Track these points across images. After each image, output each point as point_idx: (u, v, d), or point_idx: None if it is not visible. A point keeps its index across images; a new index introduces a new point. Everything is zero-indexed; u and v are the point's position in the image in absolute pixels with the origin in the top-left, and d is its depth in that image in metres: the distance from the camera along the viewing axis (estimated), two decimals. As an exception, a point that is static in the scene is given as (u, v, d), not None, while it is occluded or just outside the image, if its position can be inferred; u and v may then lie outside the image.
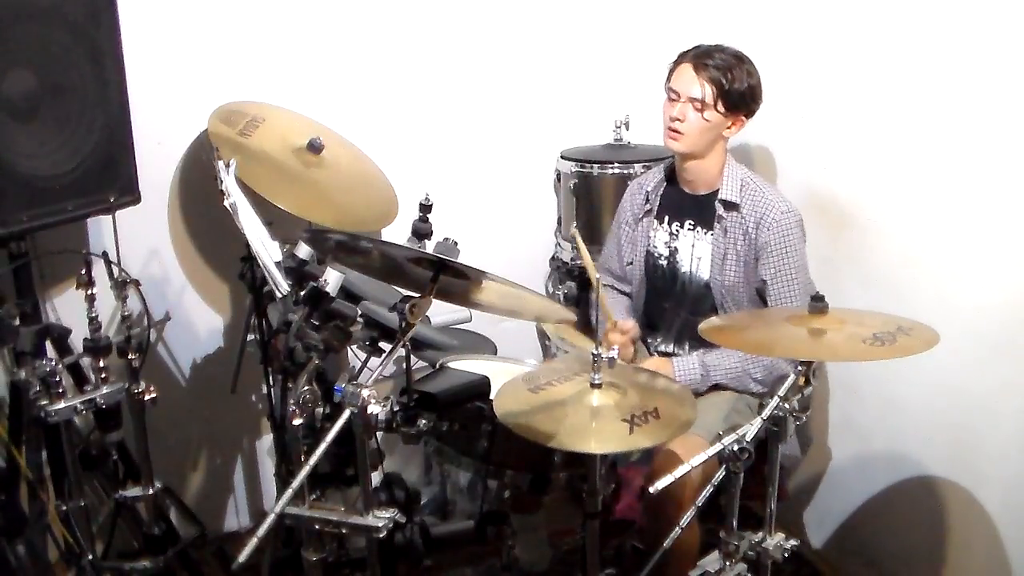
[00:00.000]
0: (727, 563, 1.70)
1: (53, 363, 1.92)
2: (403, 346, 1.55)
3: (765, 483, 1.70)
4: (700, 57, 2.17)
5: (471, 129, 2.81)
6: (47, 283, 2.35)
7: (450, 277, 1.56)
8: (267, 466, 2.82)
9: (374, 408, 1.49)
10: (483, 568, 2.08)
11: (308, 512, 1.56)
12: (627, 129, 2.83)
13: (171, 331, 2.62)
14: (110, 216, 2.06)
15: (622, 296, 2.53)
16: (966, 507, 2.19)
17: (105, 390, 1.94)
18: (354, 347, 2.24)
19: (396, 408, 1.57)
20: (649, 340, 2.47)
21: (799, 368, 1.63)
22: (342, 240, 1.68)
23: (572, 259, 2.82)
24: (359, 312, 1.90)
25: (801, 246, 2.23)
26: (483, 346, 2.34)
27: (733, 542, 1.69)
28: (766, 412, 1.61)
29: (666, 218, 2.36)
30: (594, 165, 2.74)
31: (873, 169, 2.32)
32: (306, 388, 1.58)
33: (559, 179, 2.84)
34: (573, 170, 2.76)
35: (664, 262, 2.37)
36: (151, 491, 2.06)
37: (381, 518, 1.54)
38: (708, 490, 1.63)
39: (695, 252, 2.31)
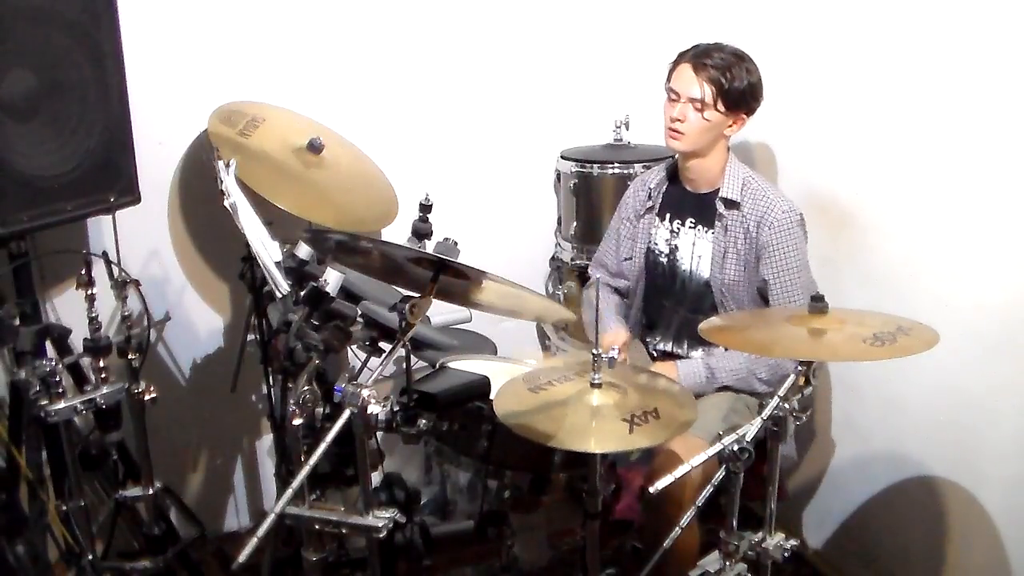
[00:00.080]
0: (727, 563, 1.70)
1: (53, 363, 1.92)
2: (403, 346, 1.55)
3: (765, 483, 1.70)
4: (699, 57, 2.17)
5: (471, 129, 2.82)
6: (47, 283, 2.35)
7: (450, 277, 1.56)
8: (267, 466, 2.82)
9: (374, 408, 1.49)
10: (483, 568, 2.08)
11: (308, 512, 1.56)
12: (627, 129, 2.83)
13: (171, 331, 2.62)
14: (110, 216, 2.06)
15: (615, 296, 2.52)
16: (966, 507, 2.19)
17: (105, 390, 1.94)
18: (354, 347, 2.24)
19: (396, 408, 1.57)
20: (648, 339, 2.47)
21: (799, 368, 1.63)
22: (342, 240, 1.68)
23: (572, 259, 2.82)
24: (359, 312, 1.91)
25: (803, 245, 2.23)
26: (483, 346, 2.34)
27: (733, 542, 1.69)
28: (766, 412, 1.61)
29: (667, 215, 2.37)
30: (594, 165, 2.74)
31: (874, 169, 2.32)
32: (306, 388, 1.58)
33: (559, 179, 2.85)
34: (573, 170, 2.76)
35: (664, 259, 2.37)
36: (151, 491, 2.06)
37: (381, 518, 1.54)
38: (708, 490, 1.62)
39: (696, 250, 2.31)
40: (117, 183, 2.12)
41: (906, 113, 2.21)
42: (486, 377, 1.92)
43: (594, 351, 1.62)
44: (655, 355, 2.45)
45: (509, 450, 1.89)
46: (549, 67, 2.88)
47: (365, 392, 1.48)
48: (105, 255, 1.95)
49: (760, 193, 2.22)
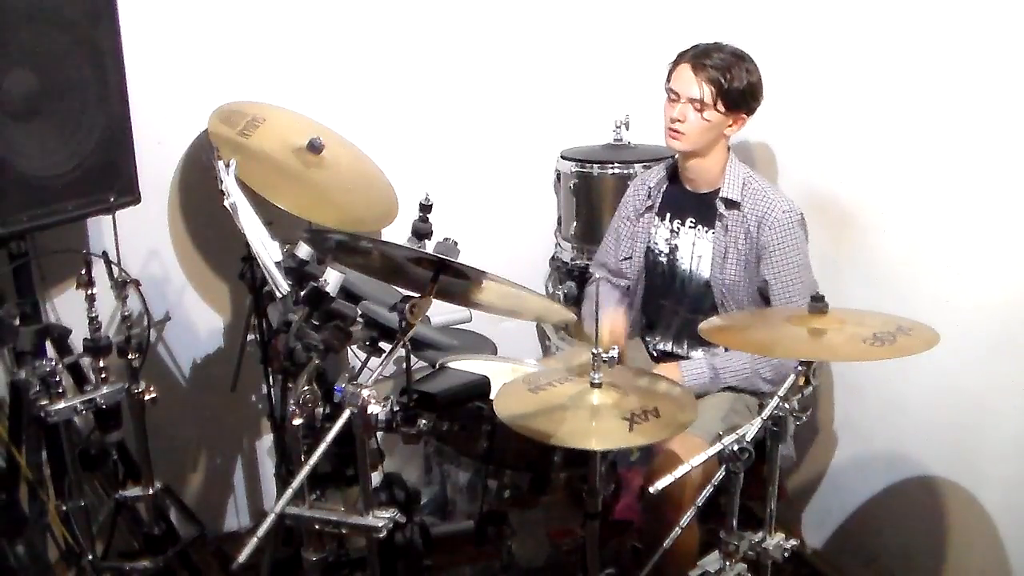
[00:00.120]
0: (727, 563, 1.70)
1: (53, 363, 1.93)
2: (403, 346, 1.55)
3: (765, 483, 1.70)
4: (698, 57, 2.17)
5: (471, 129, 2.82)
6: (47, 283, 2.35)
7: (450, 277, 1.56)
8: (267, 466, 2.82)
9: (374, 408, 1.49)
10: (483, 568, 2.08)
11: (308, 512, 1.56)
12: (627, 129, 2.83)
13: (171, 331, 2.62)
14: (110, 216, 2.06)
15: (616, 291, 2.51)
16: (966, 507, 2.19)
17: (105, 390, 1.94)
18: (354, 347, 2.24)
19: (396, 408, 1.57)
20: (648, 338, 2.47)
21: (799, 368, 1.63)
22: (342, 240, 1.68)
23: (572, 259, 2.82)
24: (359, 312, 1.91)
25: (804, 245, 2.23)
26: (483, 346, 2.34)
27: (733, 542, 1.69)
28: (766, 412, 1.61)
29: (667, 215, 2.37)
30: (594, 165, 2.73)
31: (874, 169, 2.32)
32: (306, 388, 1.58)
33: (559, 179, 2.84)
34: (573, 170, 2.76)
35: (664, 259, 2.37)
36: (151, 491, 2.05)
37: (381, 518, 1.54)
38: (708, 490, 1.62)
39: (695, 250, 2.31)
40: (117, 183, 2.12)
41: (906, 113, 2.21)
42: (486, 377, 1.92)
43: (594, 351, 1.62)
44: (655, 355, 2.45)
45: (509, 450, 1.89)
46: (549, 67, 2.88)
47: (365, 392, 1.48)
48: (105, 255, 1.95)
49: (760, 193, 2.22)
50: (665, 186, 2.38)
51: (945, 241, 2.15)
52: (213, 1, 2.44)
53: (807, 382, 1.63)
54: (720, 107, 2.16)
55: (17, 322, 2.01)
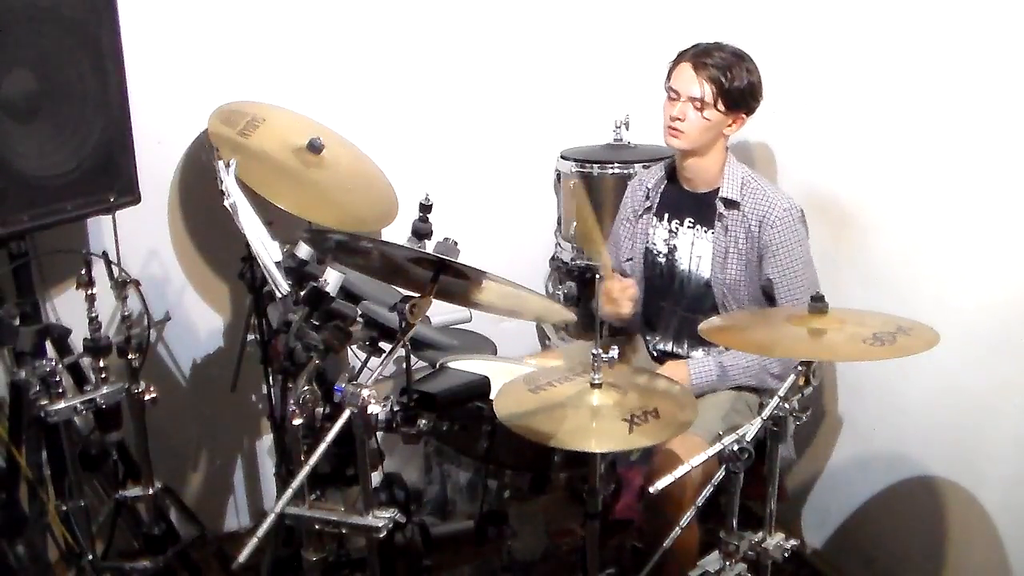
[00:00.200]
0: (727, 563, 1.70)
1: (53, 363, 1.92)
2: (403, 346, 1.55)
3: (765, 483, 1.70)
4: (699, 56, 2.17)
5: (471, 129, 2.81)
6: (47, 283, 2.35)
7: (450, 277, 1.56)
8: (267, 466, 2.82)
9: (374, 408, 1.49)
10: (483, 568, 2.08)
11: (308, 512, 1.56)
12: (627, 129, 2.83)
13: (171, 331, 2.62)
14: (110, 216, 2.06)
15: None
16: (966, 507, 2.19)
17: (105, 390, 1.94)
18: (354, 347, 2.23)
19: (396, 408, 1.57)
20: (648, 338, 2.47)
21: (799, 368, 1.63)
22: (342, 240, 1.68)
23: (572, 259, 2.82)
24: (359, 312, 1.90)
25: (805, 241, 2.23)
26: (483, 346, 2.34)
27: (733, 542, 1.69)
28: (766, 412, 1.61)
29: (666, 215, 2.36)
30: (594, 165, 2.73)
31: (874, 168, 2.32)
32: (306, 388, 1.58)
33: (559, 179, 2.84)
34: (573, 170, 2.75)
35: (663, 259, 2.37)
36: (151, 491, 2.05)
37: (381, 518, 1.54)
38: (708, 490, 1.63)
39: (695, 250, 2.31)
40: (117, 183, 2.12)
41: (906, 113, 2.21)
42: (486, 377, 1.92)
43: (594, 351, 1.62)
44: (655, 355, 2.45)
45: (509, 450, 1.89)
46: (549, 67, 2.88)
47: (365, 392, 1.48)
48: (105, 255, 1.95)
49: (760, 192, 2.22)
50: (663, 186, 2.38)
51: (945, 241, 2.15)
52: (213, 1, 2.44)
53: (807, 382, 1.63)
54: (720, 106, 2.16)
55: (17, 322, 2.01)
